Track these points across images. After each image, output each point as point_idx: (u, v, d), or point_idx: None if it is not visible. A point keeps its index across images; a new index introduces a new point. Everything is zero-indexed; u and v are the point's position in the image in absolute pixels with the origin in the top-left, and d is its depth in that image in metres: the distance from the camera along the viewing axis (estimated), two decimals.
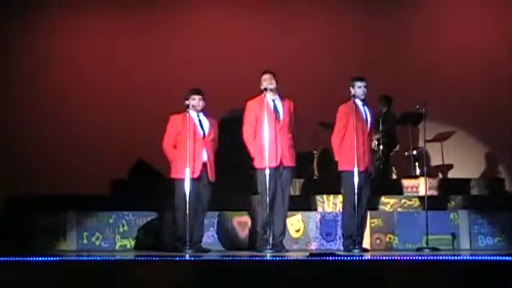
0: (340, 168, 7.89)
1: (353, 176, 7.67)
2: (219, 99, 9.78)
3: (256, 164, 7.76)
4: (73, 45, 11.84)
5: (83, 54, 11.80)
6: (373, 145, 9.95)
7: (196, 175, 7.81)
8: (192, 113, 7.93)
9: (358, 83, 7.90)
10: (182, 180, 7.75)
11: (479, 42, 11.51)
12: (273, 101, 7.83)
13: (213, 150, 8.00)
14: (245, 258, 6.41)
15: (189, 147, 7.73)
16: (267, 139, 7.65)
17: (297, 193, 9.51)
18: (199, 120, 7.97)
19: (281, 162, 7.73)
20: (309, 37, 11.78)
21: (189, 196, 7.66)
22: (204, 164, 7.86)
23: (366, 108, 7.96)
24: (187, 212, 7.61)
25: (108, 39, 11.84)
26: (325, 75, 11.11)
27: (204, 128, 7.96)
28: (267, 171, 7.56)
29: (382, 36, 11.68)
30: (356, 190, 7.64)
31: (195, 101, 7.94)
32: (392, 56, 11.53)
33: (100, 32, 11.89)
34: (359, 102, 7.92)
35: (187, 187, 7.67)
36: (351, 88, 7.92)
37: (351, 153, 7.73)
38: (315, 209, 8.98)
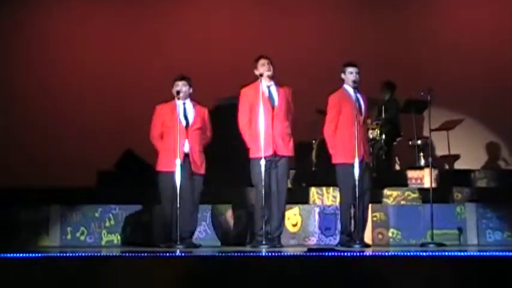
0: (334, 160, 7.88)
1: (348, 168, 7.66)
2: (212, 87, 9.82)
3: (251, 153, 7.75)
4: (62, 35, 11.86)
5: (71, 45, 11.82)
6: (375, 134, 9.97)
7: (172, 167, 7.79)
8: (179, 102, 7.92)
9: (350, 69, 7.86)
10: (166, 173, 7.79)
11: (488, 23, 11.53)
12: (268, 87, 7.81)
13: (200, 141, 7.95)
14: (239, 254, 6.38)
15: (172, 138, 7.75)
16: (262, 127, 7.63)
17: (295, 185, 9.51)
18: (184, 109, 7.95)
19: (275, 151, 7.72)
20: (307, 22, 11.79)
21: (174, 189, 7.66)
22: (187, 155, 7.86)
23: (358, 95, 7.90)
24: (173, 205, 7.64)
25: (98, 28, 11.87)
26: (323, 61, 11.09)
27: (188, 117, 7.94)
28: (262, 161, 7.55)
29: (384, 18, 11.68)
30: (353, 183, 7.62)
31: (179, 87, 7.92)
32: (394, 39, 11.54)
33: (91, 20, 11.92)
34: (350, 90, 7.89)
35: (177, 179, 7.65)
36: (342, 74, 7.90)
37: (344, 144, 7.72)
38: (314, 202, 8.99)
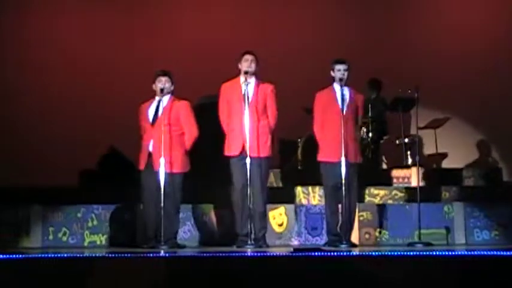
0: (318, 158, 7.93)
1: (331, 167, 7.73)
2: (196, 84, 9.79)
3: (225, 151, 7.84)
4: (47, 29, 11.79)
5: (52, 39, 11.73)
6: (361, 133, 9.98)
7: (142, 166, 7.91)
8: (157, 98, 7.91)
9: (337, 66, 7.85)
10: (141, 173, 7.89)
11: (476, 20, 11.57)
12: (246, 84, 7.80)
13: (169, 137, 7.81)
14: (224, 254, 6.39)
15: (146, 136, 7.89)
16: (237, 125, 7.70)
17: (280, 184, 9.51)
18: (157, 106, 7.91)
19: (243, 150, 7.71)
20: (293, 17, 11.78)
21: (150, 189, 7.81)
22: (150, 154, 7.86)
23: (346, 93, 7.85)
24: (150, 205, 7.82)
25: (82, 26, 11.81)
26: (310, 57, 11.10)
27: (159, 114, 7.88)
28: (235, 160, 7.66)
29: (371, 15, 11.70)
30: (335, 182, 7.71)
31: (162, 83, 7.89)
32: (382, 37, 11.55)
33: (73, 15, 11.85)
34: (338, 87, 7.87)
35: (144, 179, 7.85)
36: (331, 72, 7.90)
37: (328, 142, 7.79)
38: (300, 202, 8.99)
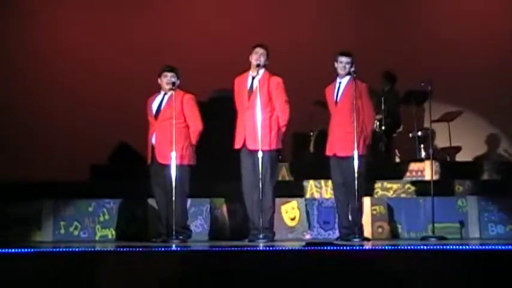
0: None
1: (331, 161, 7.84)
2: (209, 78, 9.80)
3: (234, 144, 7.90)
4: (49, 24, 11.81)
5: (60, 33, 11.76)
6: (374, 126, 9.94)
7: (148, 161, 7.94)
8: (162, 93, 7.92)
9: (340, 58, 7.81)
10: (149, 167, 7.92)
11: (490, 13, 11.52)
12: (252, 78, 7.80)
13: (169, 131, 7.71)
14: (236, 248, 6.39)
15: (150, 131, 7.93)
16: (240, 118, 7.78)
17: (292, 178, 9.50)
18: (161, 100, 7.92)
19: (244, 144, 7.74)
20: (306, 11, 11.76)
21: (156, 182, 7.88)
22: (153, 147, 7.87)
23: (344, 84, 7.82)
24: (159, 199, 7.91)
25: (88, 16, 11.83)
26: (323, 51, 11.05)
27: (162, 108, 7.89)
28: (239, 154, 7.75)
29: (384, 7, 11.67)
30: (334, 177, 7.85)
31: (167, 78, 7.88)
32: (395, 29, 11.52)
33: (79, 8, 11.86)
34: (338, 80, 7.86)
35: (152, 174, 7.89)
36: (335, 63, 7.87)
37: (329, 137, 7.89)
38: (312, 196, 8.98)
